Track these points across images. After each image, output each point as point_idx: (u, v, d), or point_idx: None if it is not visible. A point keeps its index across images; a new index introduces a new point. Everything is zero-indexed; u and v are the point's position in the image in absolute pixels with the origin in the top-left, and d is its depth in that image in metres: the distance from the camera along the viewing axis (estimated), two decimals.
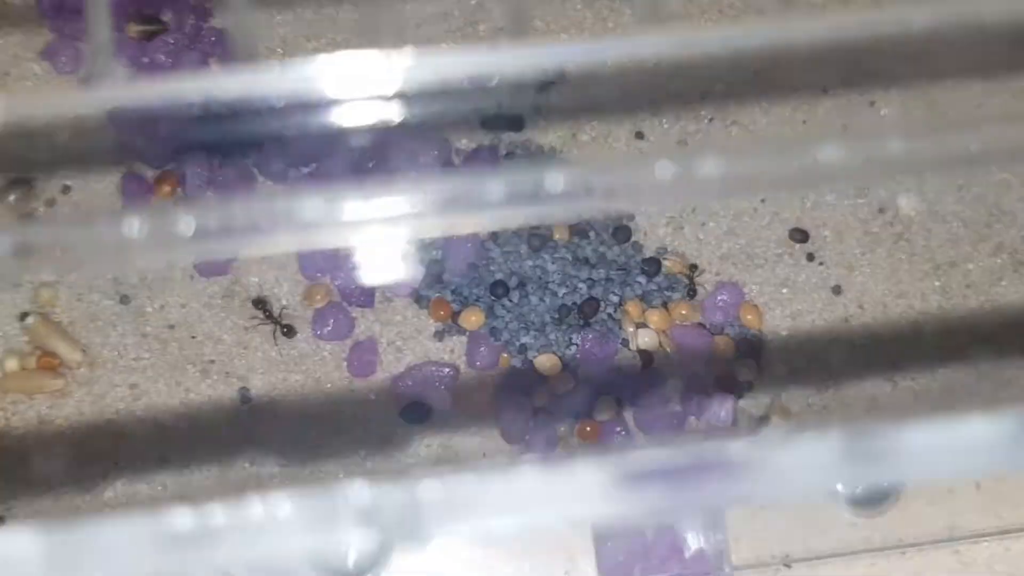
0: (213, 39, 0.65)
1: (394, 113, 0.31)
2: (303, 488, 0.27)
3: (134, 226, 0.29)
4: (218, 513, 0.27)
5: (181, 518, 0.28)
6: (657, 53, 0.31)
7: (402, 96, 0.29)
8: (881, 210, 0.65)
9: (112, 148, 0.60)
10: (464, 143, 0.64)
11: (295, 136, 0.57)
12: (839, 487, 0.58)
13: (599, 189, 0.30)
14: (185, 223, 0.28)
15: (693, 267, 0.63)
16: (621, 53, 0.31)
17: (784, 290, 0.64)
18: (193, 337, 0.61)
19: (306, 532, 0.28)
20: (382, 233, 0.29)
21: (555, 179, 0.29)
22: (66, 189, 0.62)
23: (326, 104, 0.30)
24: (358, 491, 0.28)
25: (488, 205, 0.29)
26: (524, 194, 0.29)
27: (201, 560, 0.28)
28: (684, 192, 0.29)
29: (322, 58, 0.28)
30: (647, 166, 0.29)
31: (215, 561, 0.28)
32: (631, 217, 0.64)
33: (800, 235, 0.64)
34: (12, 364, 0.60)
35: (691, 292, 0.63)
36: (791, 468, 0.29)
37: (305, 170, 0.60)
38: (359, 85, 0.29)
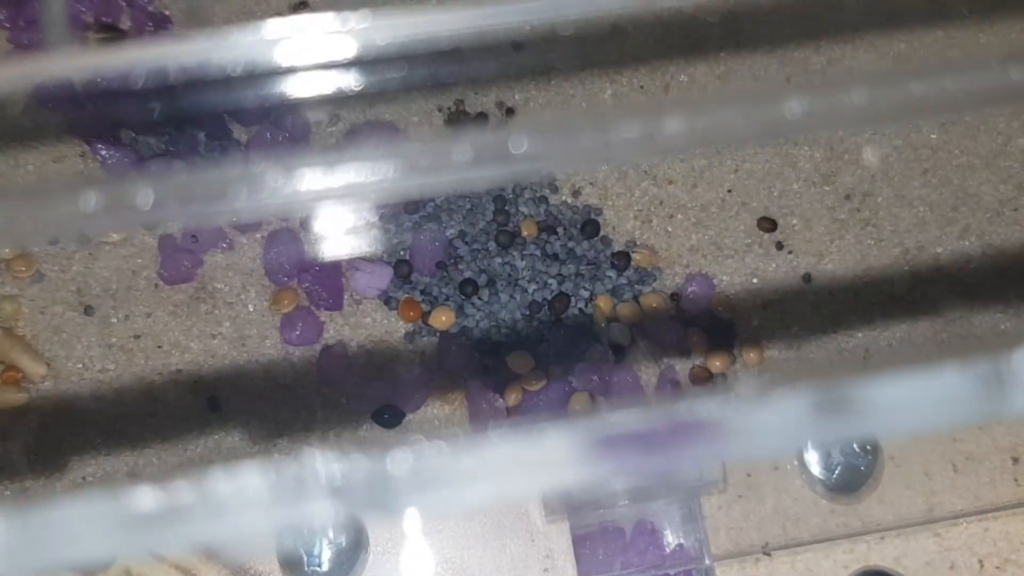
0: None
1: (351, 82, 0.30)
2: (271, 461, 0.27)
3: (91, 200, 0.28)
4: (184, 490, 0.27)
5: (146, 496, 0.27)
6: (618, 8, 0.30)
7: (359, 62, 0.29)
8: (848, 197, 0.65)
9: (52, 127, 0.60)
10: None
11: (249, 109, 0.57)
12: (817, 473, 0.58)
13: (560, 150, 0.29)
14: (143, 195, 0.27)
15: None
16: (583, 10, 0.31)
17: (754, 280, 0.64)
18: (159, 347, 0.60)
19: (275, 506, 0.27)
20: (345, 200, 0.28)
21: (519, 140, 0.29)
22: None
23: (280, 73, 0.30)
24: (327, 463, 0.27)
25: (454, 168, 0.28)
26: (489, 157, 0.29)
27: (168, 538, 0.27)
28: (650, 150, 0.28)
29: (274, 22, 0.28)
30: (612, 125, 0.29)
31: (183, 538, 0.27)
32: (599, 212, 0.64)
33: (768, 224, 0.64)
34: None
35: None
36: (763, 425, 0.29)
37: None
38: (312, 50, 0.28)
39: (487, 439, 0.29)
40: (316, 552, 0.55)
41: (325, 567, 0.55)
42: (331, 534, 0.54)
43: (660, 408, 0.29)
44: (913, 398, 0.29)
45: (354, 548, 0.55)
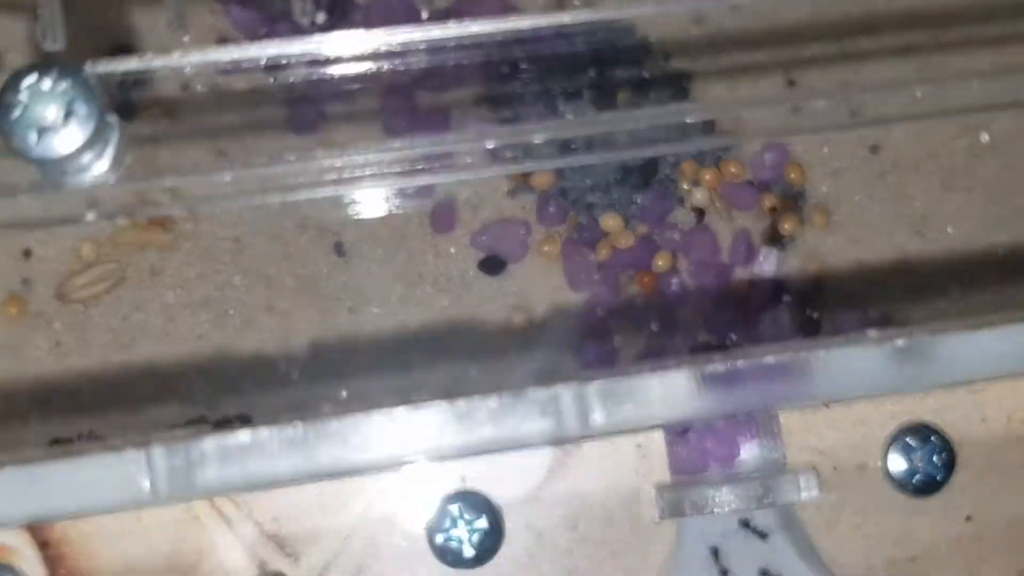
0: None
1: None
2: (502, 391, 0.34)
3: None
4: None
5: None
6: None
7: None
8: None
9: None
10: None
11: None
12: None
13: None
14: None
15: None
16: None
17: (825, 149, 0.69)
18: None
19: (502, 424, 0.35)
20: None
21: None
22: None
23: None
24: (541, 390, 0.35)
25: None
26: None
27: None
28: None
29: None
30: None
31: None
32: (688, 78, 0.69)
33: None
34: (123, 220, 0.65)
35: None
36: (848, 371, 0.36)
37: None
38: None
39: (663, 372, 0.36)
40: (459, 537, 0.59)
41: (468, 553, 0.59)
42: (468, 517, 0.59)
43: (762, 353, 0.36)
44: (985, 351, 0.36)
45: (494, 531, 0.60)
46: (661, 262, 0.67)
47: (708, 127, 0.68)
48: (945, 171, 0.70)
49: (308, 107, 0.66)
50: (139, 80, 0.55)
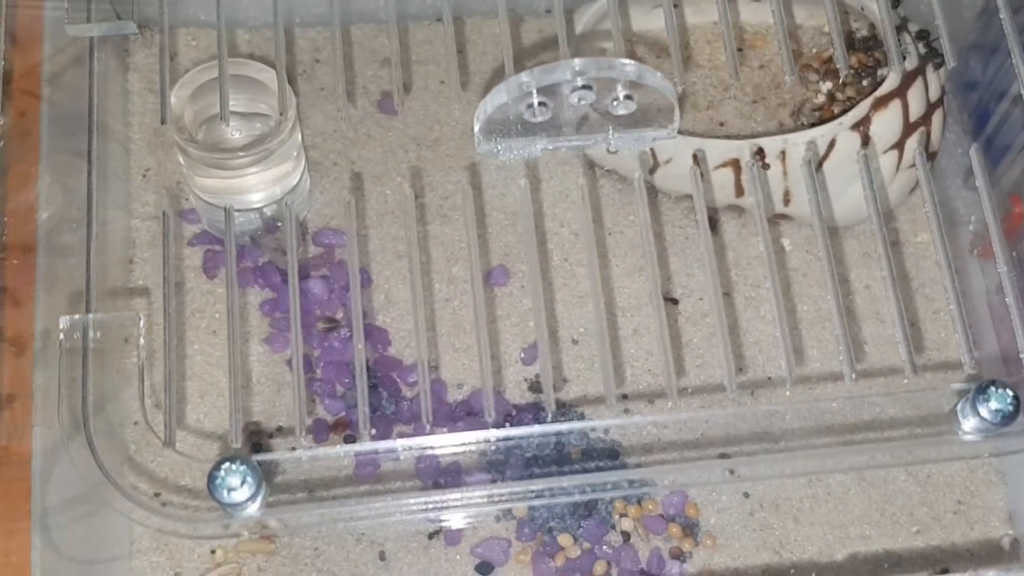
0: (372, 333, 1.06)
1: None
2: None
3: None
4: None
5: None
6: None
7: None
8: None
9: None
10: None
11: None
12: None
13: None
14: None
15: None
16: None
17: (713, 493, 1.03)
18: None
19: None
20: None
21: None
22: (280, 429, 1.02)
23: None
24: None
25: None
26: None
27: None
28: None
29: None
30: None
31: None
32: (621, 444, 1.03)
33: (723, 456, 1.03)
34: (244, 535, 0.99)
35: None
36: None
37: None
38: None
39: None
40: None
41: None
42: None
43: None
44: None
45: None
46: (599, 569, 0.99)
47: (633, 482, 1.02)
48: (796, 510, 1.02)
49: None
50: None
